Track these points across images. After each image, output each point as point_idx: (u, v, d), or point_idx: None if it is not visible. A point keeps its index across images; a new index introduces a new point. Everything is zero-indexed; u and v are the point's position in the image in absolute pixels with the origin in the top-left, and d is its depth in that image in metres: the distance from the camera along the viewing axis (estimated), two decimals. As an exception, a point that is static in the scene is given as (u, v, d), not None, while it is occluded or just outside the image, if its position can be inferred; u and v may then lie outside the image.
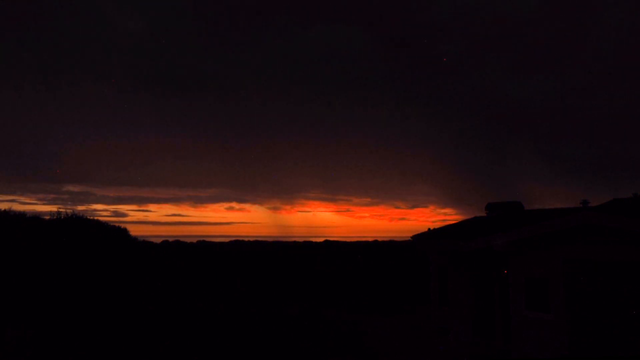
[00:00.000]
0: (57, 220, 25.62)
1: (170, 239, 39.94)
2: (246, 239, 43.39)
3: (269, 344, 9.55)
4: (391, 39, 60.26)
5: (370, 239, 44.78)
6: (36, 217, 25.04)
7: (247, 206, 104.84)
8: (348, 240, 43.99)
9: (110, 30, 58.52)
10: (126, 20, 57.52)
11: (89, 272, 17.33)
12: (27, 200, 74.81)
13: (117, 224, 31.24)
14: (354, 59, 65.73)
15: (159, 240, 37.99)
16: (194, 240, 40.75)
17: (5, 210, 23.43)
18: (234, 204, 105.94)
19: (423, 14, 54.35)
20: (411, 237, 14.30)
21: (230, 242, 39.84)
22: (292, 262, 24.68)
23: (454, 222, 15.27)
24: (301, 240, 43.64)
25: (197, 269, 20.94)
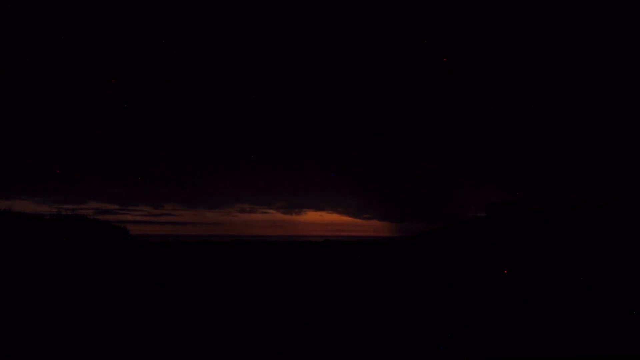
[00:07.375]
0: (57, 220, 25.64)
1: (170, 239, 39.98)
2: (246, 239, 43.42)
3: (269, 344, 9.56)
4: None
5: (370, 239, 44.80)
6: (36, 217, 25.03)
7: (248, 206, 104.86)
8: (348, 240, 44.00)
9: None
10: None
11: (89, 272, 17.35)
12: (27, 200, 74.88)
13: (117, 224, 31.21)
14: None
15: (159, 240, 38.02)
16: (194, 240, 40.80)
17: (5, 210, 23.42)
18: (235, 205, 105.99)
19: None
20: (412, 237, 14.34)
21: (231, 242, 39.85)
22: (292, 261, 24.72)
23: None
24: (301, 240, 43.67)
25: (197, 269, 20.94)
